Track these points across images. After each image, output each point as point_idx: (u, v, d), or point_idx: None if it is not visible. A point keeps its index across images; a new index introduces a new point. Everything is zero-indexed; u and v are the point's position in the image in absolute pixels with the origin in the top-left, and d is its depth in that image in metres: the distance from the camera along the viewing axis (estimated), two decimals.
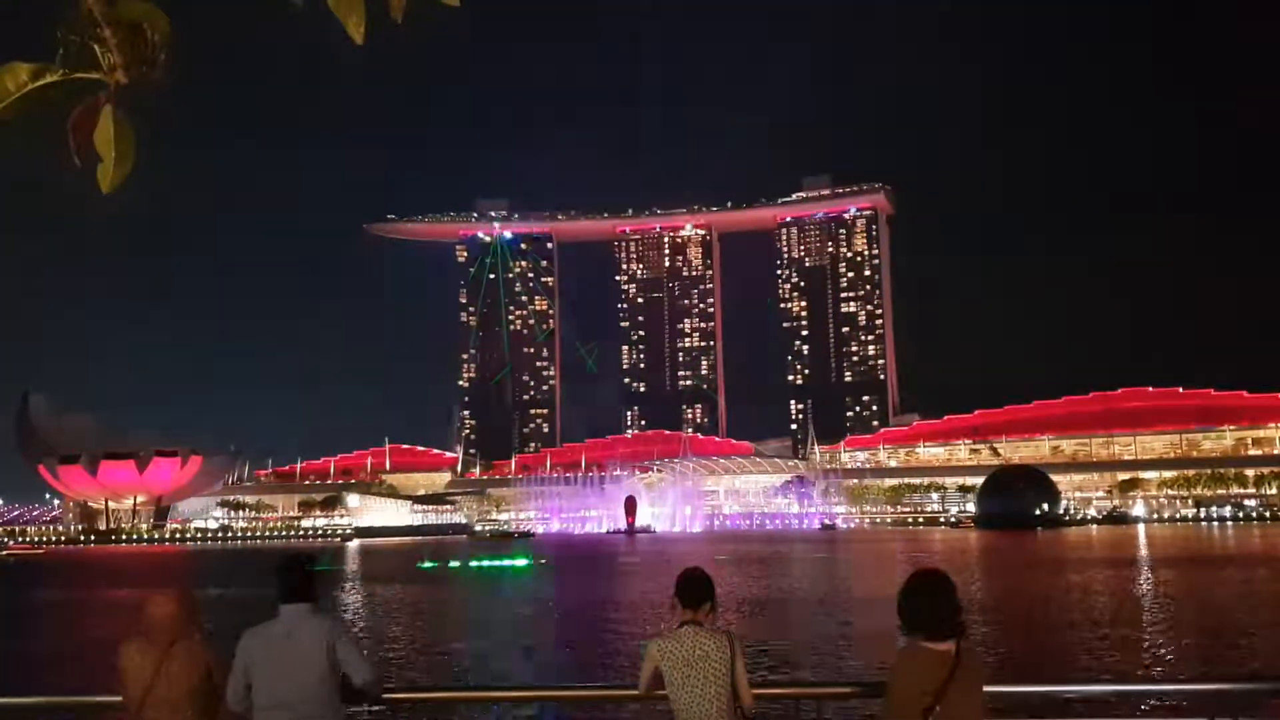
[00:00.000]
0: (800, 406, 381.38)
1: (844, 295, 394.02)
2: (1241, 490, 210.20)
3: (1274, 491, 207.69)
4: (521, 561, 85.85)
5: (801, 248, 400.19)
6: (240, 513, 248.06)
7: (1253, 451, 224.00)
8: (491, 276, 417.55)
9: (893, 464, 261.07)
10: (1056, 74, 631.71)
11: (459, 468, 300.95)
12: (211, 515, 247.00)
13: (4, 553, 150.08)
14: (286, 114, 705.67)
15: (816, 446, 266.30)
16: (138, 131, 2.55)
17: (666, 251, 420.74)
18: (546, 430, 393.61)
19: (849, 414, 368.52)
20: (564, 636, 33.92)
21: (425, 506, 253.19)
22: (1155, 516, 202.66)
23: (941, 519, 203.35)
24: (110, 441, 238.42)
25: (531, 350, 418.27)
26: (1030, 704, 7.17)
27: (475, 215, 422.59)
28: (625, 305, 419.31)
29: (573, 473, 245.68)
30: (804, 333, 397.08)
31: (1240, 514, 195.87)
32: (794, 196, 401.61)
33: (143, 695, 6.15)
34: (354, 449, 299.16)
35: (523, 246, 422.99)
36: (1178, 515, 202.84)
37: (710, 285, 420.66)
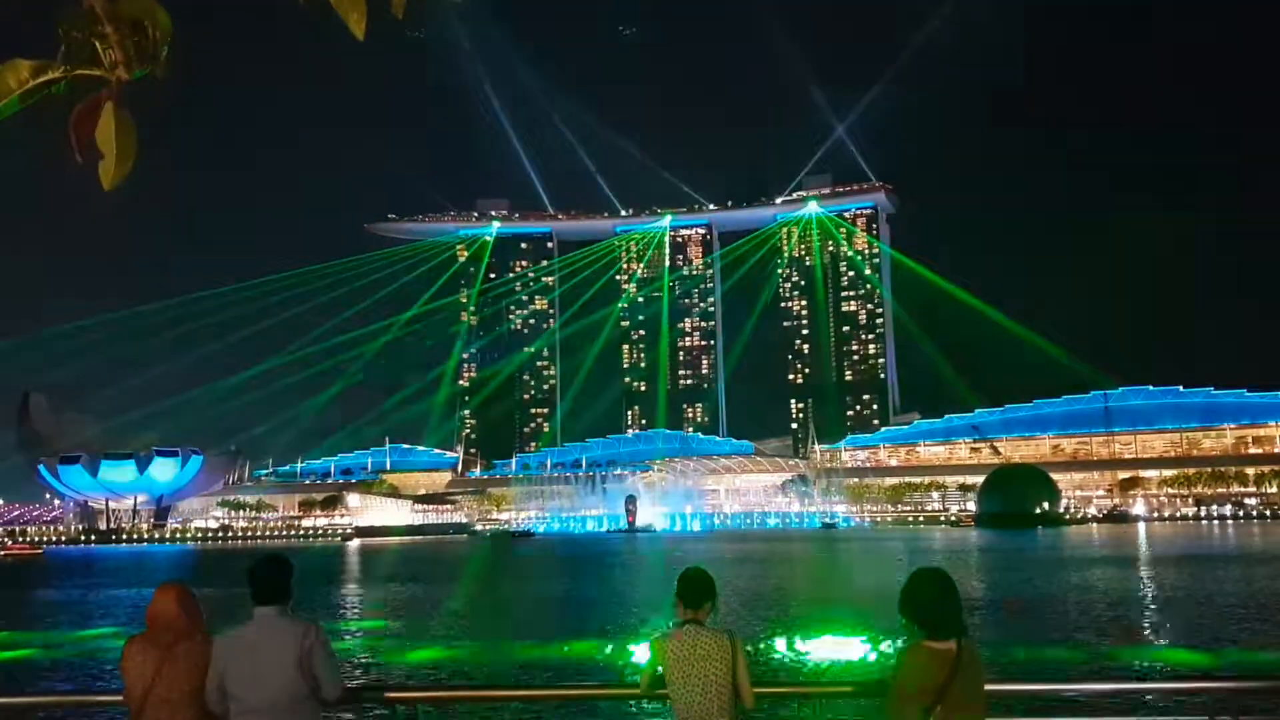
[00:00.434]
0: (800, 405, 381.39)
1: (844, 294, 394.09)
2: (1242, 489, 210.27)
3: (1274, 490, 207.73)
4: None
5: (802, 246, 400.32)
6: (241, 513, 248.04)
7: (1253, 450, 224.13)
8: (492, 275, 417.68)
9: (893, 463, 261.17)
10: (1057, 74, 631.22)
11: (459, 467, 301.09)
12: (212, 515, 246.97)
13: (0, 553, 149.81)
14: (287, 113, 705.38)
15: (817, 445, 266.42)
16: (139, 129, 2.56)
17: (667, 250, 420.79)
18: (547, 429, 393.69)
19: (849, 413, 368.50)
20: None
21: (426, 506, 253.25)
22: (1156, 515, 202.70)
23: (942, 518, 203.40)
24: (111, 441, 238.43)
25: (532, 350, 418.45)
26: (1031, 703, 7.18)
27: (475, 215, 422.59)
28: (625, 305, 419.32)
29: (573, 472, 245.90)
30: (804, 332, 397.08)
31: (1241, 512, 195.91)
32: (794, 195, 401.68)
33: (144, 695, 6.15)
34: (354, 449, 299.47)
35: (522, 245, 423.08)
36: (1178, 514, 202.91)
37: (710, 284, 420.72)
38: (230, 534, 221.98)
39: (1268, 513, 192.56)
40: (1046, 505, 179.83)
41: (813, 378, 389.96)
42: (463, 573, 73.13)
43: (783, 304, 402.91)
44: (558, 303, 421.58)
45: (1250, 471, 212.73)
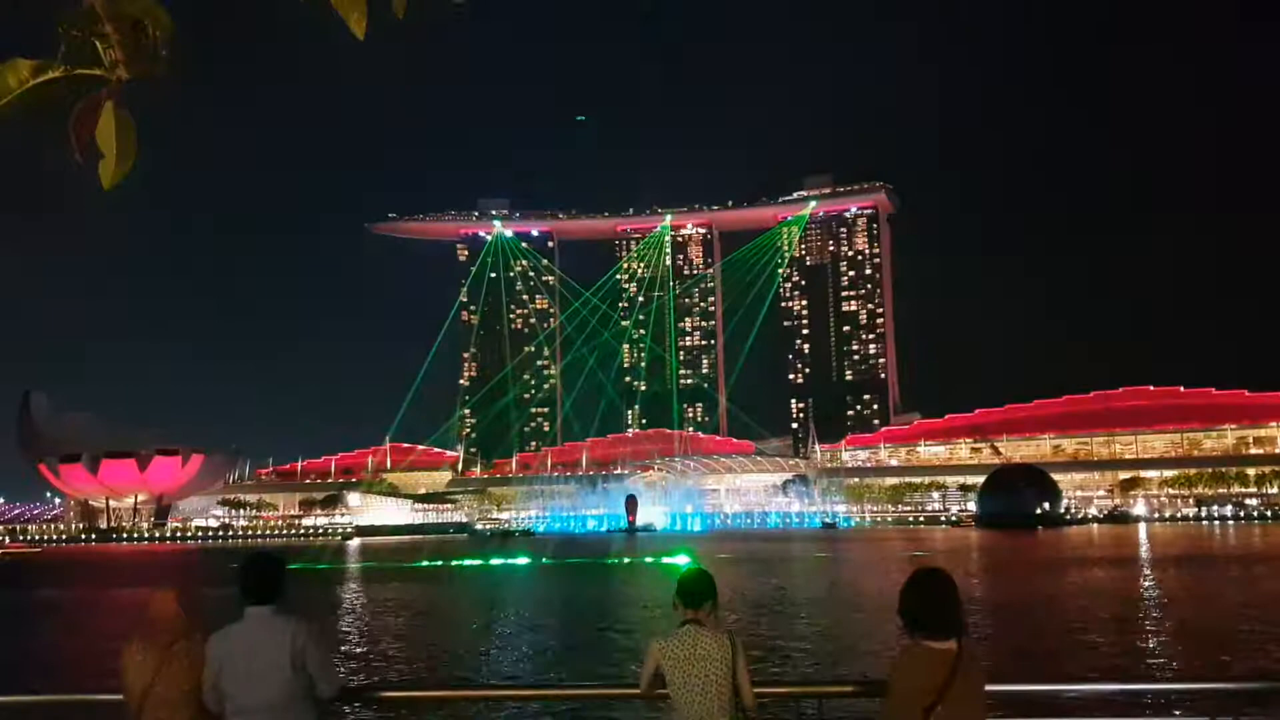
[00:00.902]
0: (801, 405, 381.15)
1: (845, 294, 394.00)
2: (1243, 489, 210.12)
3: (1275, 490, 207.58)
4: (523, 560, 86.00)
5: (802, 246, 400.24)
6: (241, 511, 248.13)
7: (1254, 450, 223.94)
8: (492, 276, 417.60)
9: (893, 463, 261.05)
10: (1057, 73, 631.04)
11: (460, 466, 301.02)
12: (212, 514, 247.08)
13: None
14: (287, 113, 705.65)
15: (817, 445, 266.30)
16: (139, 128, 2.56)
17: (668, 250, 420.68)
18: (547, 429, 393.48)
19: (850, 413, 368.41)
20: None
21: (426, 505, 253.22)
22: (1156, 515, 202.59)
23: (942, 518, 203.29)
24: (111, 440, 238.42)
25: (533, 349, 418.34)
26: (1031, 703, 7.17)
27: (476, 214, 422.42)
28: (626, 304, 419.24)
29: (573, 471, 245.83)
30: (805, 331, 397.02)
31: (1241, 513, 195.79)
32: (795, 196, 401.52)
33: (143, 695, 6.14)
34: (355, 447, 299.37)
35: (523, 246, 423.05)
36: (1179, 514, 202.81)
37: (711, 284, 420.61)
38: (230, 533, 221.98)
39: (1268, 513, 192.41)
40: (1047, 506, 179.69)
41: (813, 377, 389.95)
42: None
43: (783, 304, 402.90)
44: (558, 302, 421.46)
45: (1251, 472, 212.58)
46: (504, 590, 56.18)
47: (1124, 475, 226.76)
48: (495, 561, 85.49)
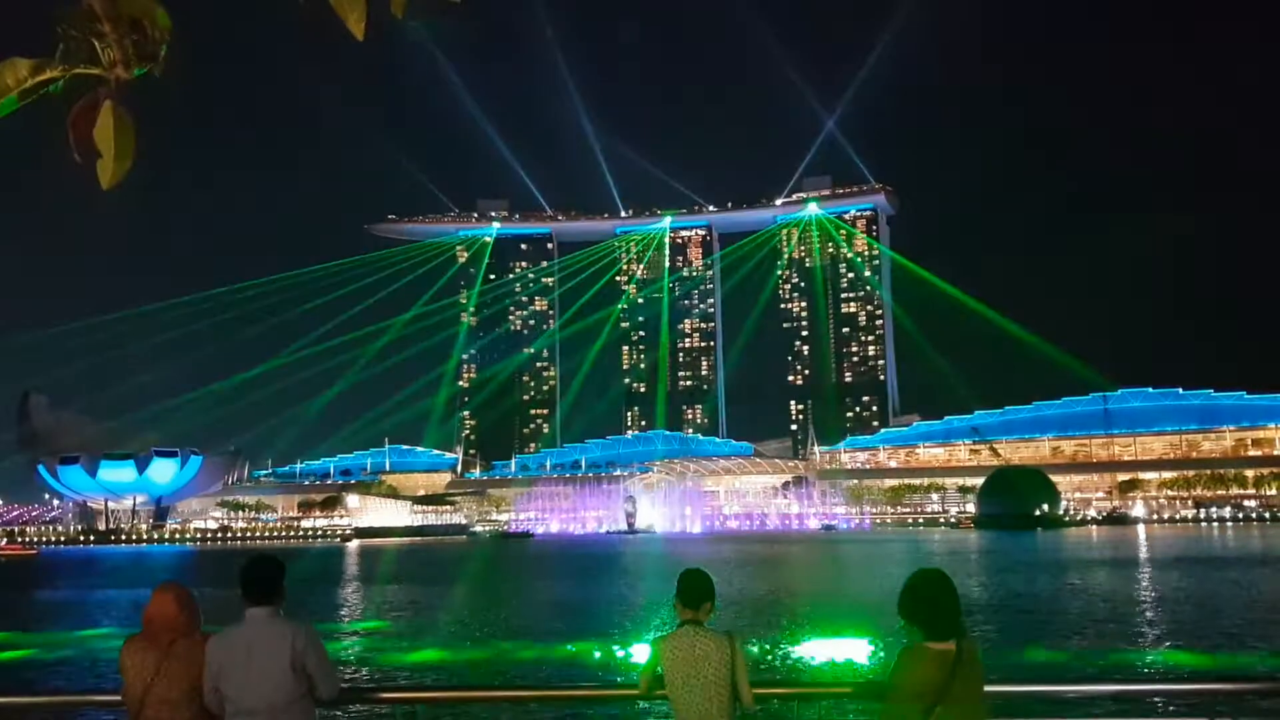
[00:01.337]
0: (800, 407, 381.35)
1: (844, 295, 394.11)
2: (1241, 491, 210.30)
3: (1274, 492, 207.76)
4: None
5: (801, 248, 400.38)
6: (240, 513, 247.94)
7: (1252, 452, 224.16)
8: (492, 277, 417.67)
9: (893, 464, 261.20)
10: (1056, 73, 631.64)
11: (459, 468, 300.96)
12: (211, 515, 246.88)
13: None
14: (286, 113, 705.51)
15: (816, 447, 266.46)
16: (138, 128, 2.55)
17: (667, 251, 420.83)
18: (546, 430, 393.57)
19: (849, 414, 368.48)
20: None
21: (425, 507, 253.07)
22: (1155, 517, 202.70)
23: (941, 519, 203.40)
24: (110, 442, 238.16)
25: (532, 350, 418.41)
26: (1032, 703, 7.18)
27: (475, 215, 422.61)
28: (625, 305, 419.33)
29: (572, 473, 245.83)
30: (804, 333, 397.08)
31: (1240, 515, 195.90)
32: (794, 196, 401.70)
33: (143, 695, 6.14)
34: (354, 449, 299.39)
35: (523, 247, 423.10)
36: (1177, 516, 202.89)
37: (710, 285, 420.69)
38: (229, 535, 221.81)
39: (1267, 515, 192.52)
40: (1046, 507, 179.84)
41: (812, 379, 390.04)
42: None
43: (782, 305, 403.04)
44: (557, 303, 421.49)
45: (1250, 474, 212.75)
46: (505, 591, 56.19)
47: (1123, 477, 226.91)
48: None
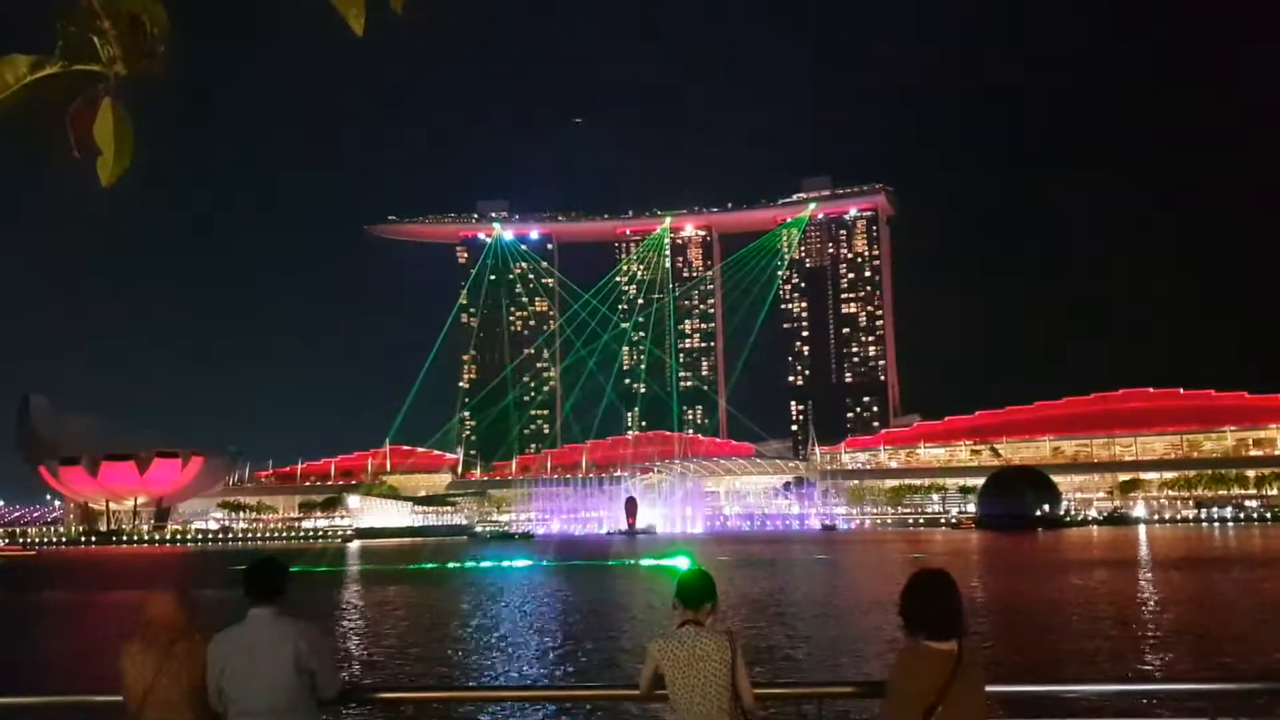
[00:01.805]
0: (801, 407, 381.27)
1: (844, 296, 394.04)
2: (1242, 491, 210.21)
3: (1275, 492, 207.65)
4: (522, 562, 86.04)
5: (802, 248, 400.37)
6: (241, 514, 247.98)
7: (1254, 452, 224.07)
8: (492, 278, 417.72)
9: (893, 465, 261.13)
10: (1056, 73, 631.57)
11: (459, 469, 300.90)
12: (212, 516, 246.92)
13: None
14: (287, 113, 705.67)
15: (817, 447, 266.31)
16: (137, 124, 2.55)
17: (667, 252, 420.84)
18: (547, 431, 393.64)
19: (849, 415, 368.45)
20: None
21: (426, 507, 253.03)
22: (1156, 517, 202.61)
23: (942, 520, 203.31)
24: (111, 442, 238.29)
25: (533, 351, 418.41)
26: (1032, 703, 7.17)
27: (475, 216, 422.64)
28: (626, 306, 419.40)
29: (573, 474, 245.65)
30: (804, 333, 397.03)
31: (1241, 515, 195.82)
32: (794, 197, 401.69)
33: (143, 695, 6.15)
34: (354, 450, 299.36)
35: (523, 247, 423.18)
36: (1178, 516, 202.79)
37: (711, 286, 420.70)
38: (230, 535, 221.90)
39: (1268, 515, 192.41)
40: (1047, 507, 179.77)
41: (813, 380, 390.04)
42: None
43: (783, 306, 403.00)
44: (558, 304, 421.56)
45: (1251, 474, 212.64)
46: (504, 591, 56.17)
47: (1124, 477, 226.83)
48: (489, 564, 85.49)
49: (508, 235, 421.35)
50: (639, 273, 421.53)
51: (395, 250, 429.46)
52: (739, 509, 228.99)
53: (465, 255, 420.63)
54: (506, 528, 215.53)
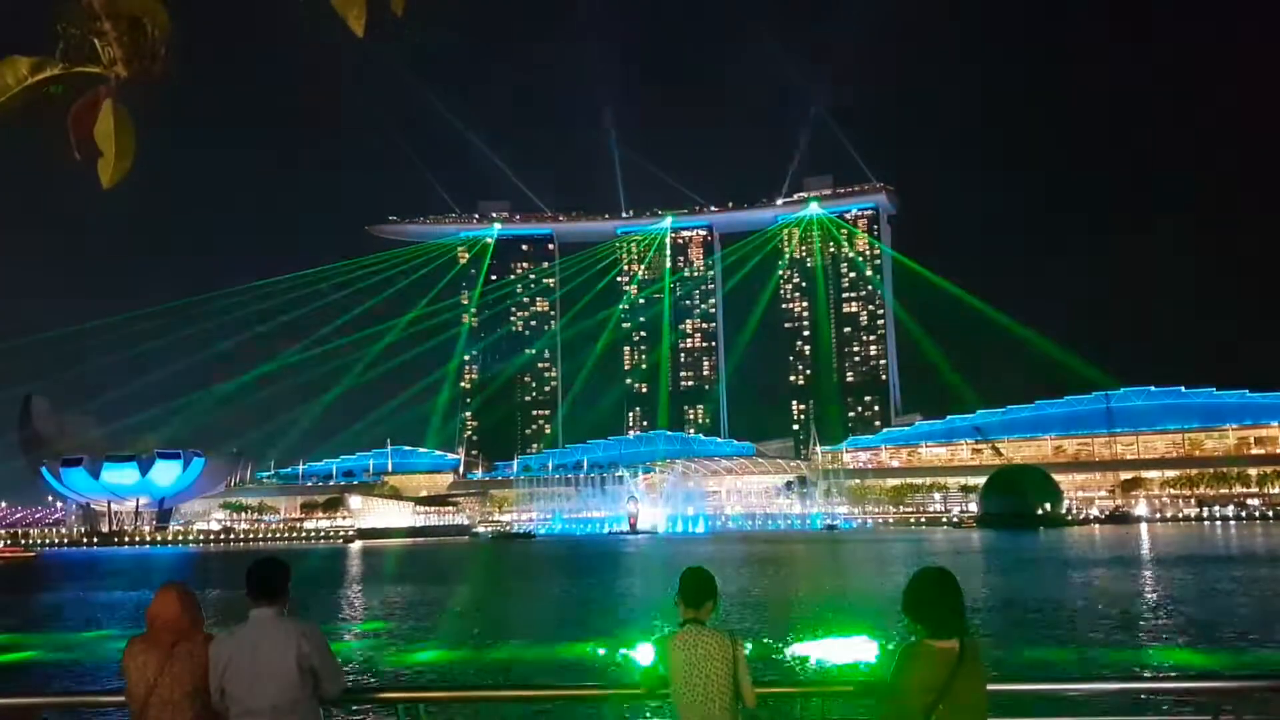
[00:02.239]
0: (802, 407, 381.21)
1: (846, 295, 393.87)
2: (1244, 489, 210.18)
3: (1277, 491, 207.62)
4: None
5: (802, 248, 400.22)
6: (242, 515, 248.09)
7: (1255, 451, 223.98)
8: (493, 278, 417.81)
9: (895, 464, 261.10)
10: (1056, 73, 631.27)
11: (461, 469, 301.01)
12: (214, 517, 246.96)
13: None
14: (286, 113, 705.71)
15: (818, 446, 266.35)
16: (138, 126, 2.53)
17: (668, 252, 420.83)
18: (548, 431, 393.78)
19: (851, 414, 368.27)
20: None
21: (427, 508, 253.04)
22: (1158, 516, 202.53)
23: (944, 519, 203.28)
24: (113, 444, 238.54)
25: (534, 351, 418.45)
26: (1034, 702, 7.16)
27: (476, 216, 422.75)
28: (626, 306, 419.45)
29: (574, 474, 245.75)
30: (805, 333, 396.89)
31: (1243, 513, 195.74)
32: (795, 196, 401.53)
33: (146, 695, 6.15)
34: (356, 450, 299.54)
35: (524, 247, 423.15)
36: (1180, 515, 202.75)
37: (711, 285, 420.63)
38: (232, 536, 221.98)
39: (1270, 513, 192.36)
40: (1048, 506, 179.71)
41: (814, 379, 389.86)
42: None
43: (784, 305, 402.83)
44: (559, 304, 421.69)
45: (1253, 472, 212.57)
46: (507, 589, 56.22)
47: (1125, 476, 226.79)
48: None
49: (508, 234, 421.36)
50: (640, 272, 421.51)
51: (396, 250, 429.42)
52: (740, 508, 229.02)
53: (466, 255, 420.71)
54: (508, 528, 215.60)
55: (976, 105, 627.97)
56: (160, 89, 2.47)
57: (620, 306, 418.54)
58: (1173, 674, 22.62)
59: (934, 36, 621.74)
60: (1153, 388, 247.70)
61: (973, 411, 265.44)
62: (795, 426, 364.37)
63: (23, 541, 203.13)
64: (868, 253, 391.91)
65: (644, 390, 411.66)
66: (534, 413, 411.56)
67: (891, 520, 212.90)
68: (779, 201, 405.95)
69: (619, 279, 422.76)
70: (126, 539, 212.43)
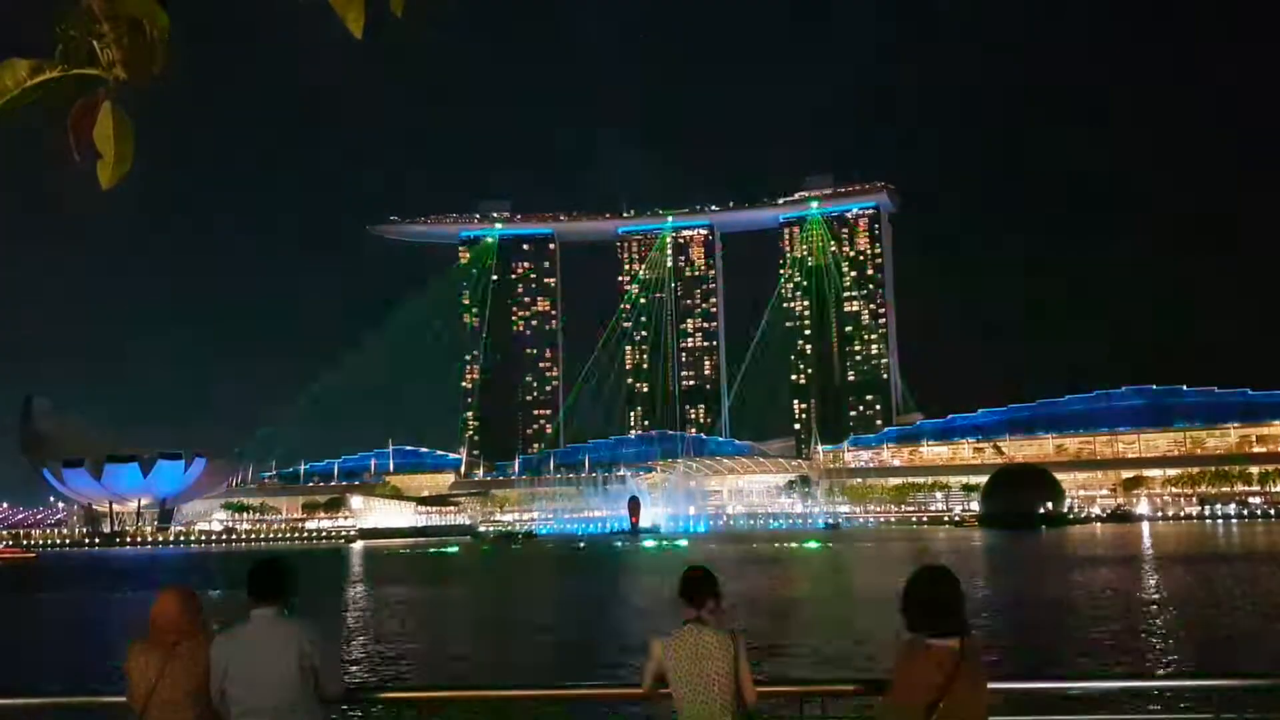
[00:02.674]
0: (803, 406, 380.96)
1: (847, 294, 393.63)
2: (1246, 488, 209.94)
3: (1278, 489, 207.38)
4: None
5: (804, 247, 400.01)
6: (244, 515, 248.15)
7: (1257, 449, 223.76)
8: (494, 278, 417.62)
9: (896, 463, 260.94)
10: (1056, 73, 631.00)
11: (462, 469, 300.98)
12: (215, 518, 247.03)
13: None
14: (286, 113, 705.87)
15: (820, 446, 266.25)
16: (137, 128, 2.55)
17: (669, 251, 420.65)
18: (549, 431, 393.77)
19: (852, 413, 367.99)
20: None
21: (429, 508, 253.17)
22: (1159, 514, 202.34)
23: (945, 518, 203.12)
24: (114, 444, 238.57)
25: (534, 351, 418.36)
26: (1035, 701, 7.15)
27: (477, 216, 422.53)
28: (627, 305, 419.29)
29: (576, 473, 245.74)
30: (807, 332, 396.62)
31: (1245, 511, 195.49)
32: (796, 196, 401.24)
33: (147, 696, 6.15)
34: (357, 450, 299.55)
35: (524, 247, 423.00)
36: (1182, 513, 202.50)
37: (712, 285, 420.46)
38: (234, 537, 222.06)
39: (1272, 511, 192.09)
40: (1050, 505, 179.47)
41: (815, 378, 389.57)
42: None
43: (785, 304, 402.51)
44: (560, 304, 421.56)
45: (1254, 470, 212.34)
46: (506, 590, 56.24)
47: (1127, 474, 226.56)
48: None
49: (509, 234, 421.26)
50: (641, 272, 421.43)
51: (396, 250, 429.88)
52: (742, 508, 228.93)
53: (467, 255, 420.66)
54: (509, 527, 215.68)
55: (978, 104, 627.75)
56: (160, 90, 2.47)
57: (621, 306, 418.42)
58: (1174, 672, 22.60)
59: (935, 35, 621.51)
60: (1154, 386, 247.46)
61: (974, 410, 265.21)
62: (796, 426, 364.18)
63: (24, 542, 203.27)
64: (869, 252, 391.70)
65: (645, 390, 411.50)
66: (535, 412, 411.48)
67: (893, 519, 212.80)
68: (780, 201, 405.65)
69: (620, 278, 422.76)
70: (128, 540, 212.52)
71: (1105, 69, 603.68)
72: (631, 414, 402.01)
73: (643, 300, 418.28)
